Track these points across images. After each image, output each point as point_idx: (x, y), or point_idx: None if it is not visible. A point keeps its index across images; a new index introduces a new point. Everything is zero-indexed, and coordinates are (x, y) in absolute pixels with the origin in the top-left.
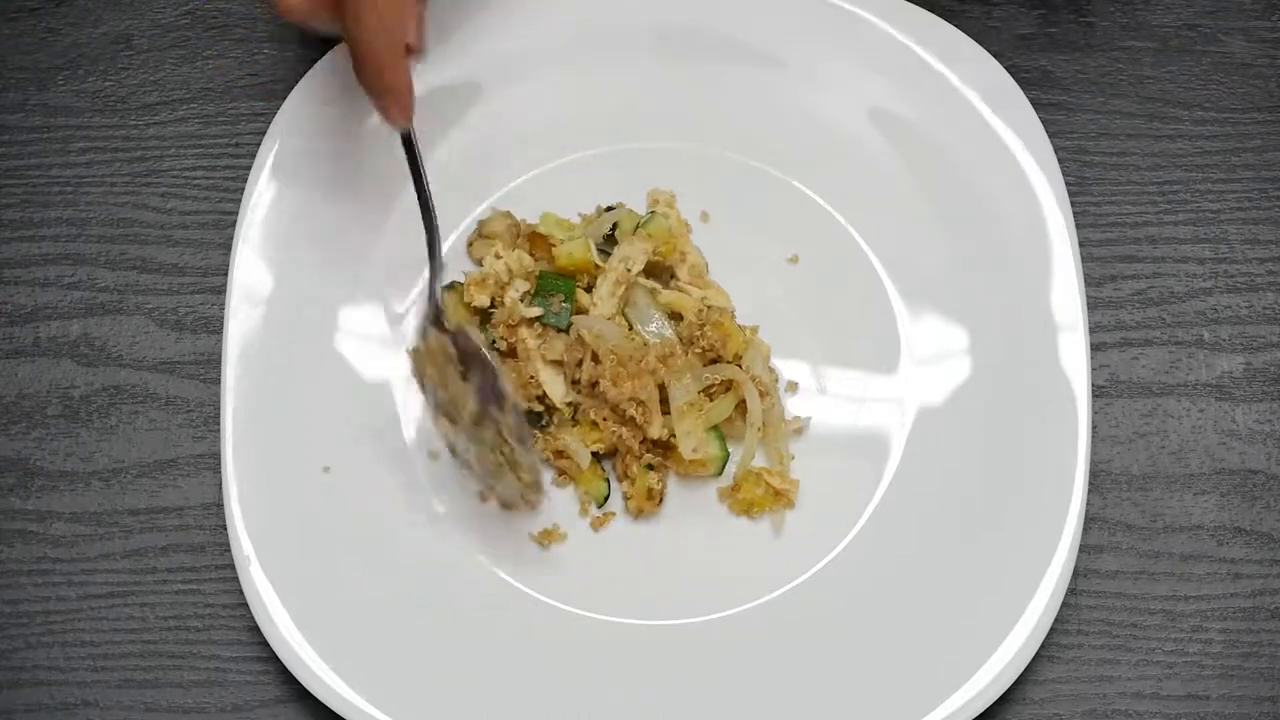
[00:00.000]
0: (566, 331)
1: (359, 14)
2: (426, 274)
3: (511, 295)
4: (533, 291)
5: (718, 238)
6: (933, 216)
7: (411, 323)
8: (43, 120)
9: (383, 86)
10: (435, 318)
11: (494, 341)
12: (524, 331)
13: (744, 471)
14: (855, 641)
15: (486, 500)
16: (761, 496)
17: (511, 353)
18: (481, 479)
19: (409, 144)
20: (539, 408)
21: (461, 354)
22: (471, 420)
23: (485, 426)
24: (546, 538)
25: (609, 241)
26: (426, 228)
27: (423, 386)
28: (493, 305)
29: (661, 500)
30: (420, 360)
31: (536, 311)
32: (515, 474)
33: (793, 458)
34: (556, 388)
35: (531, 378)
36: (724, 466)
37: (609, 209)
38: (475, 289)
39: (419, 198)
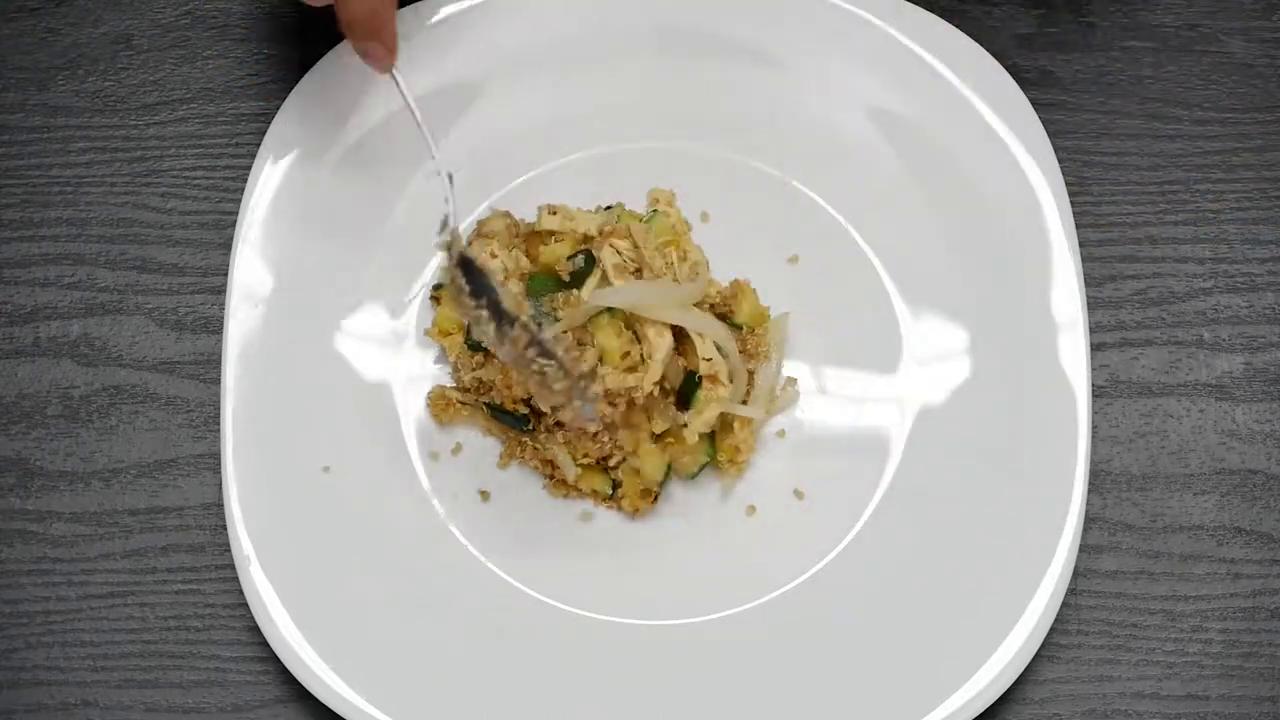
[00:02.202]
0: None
1: None
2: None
3: None
4: (524, 292)
5: (718, 238)
6: (933, 217)
7: (411, 323)
8: (43, 120)
9: (370, 33)
10: (448, 248)
11: (481, 341)
12: None
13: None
14: (855, 641)
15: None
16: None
17: None
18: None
19: (397, 82)
20: (524, 410)
21: (471, 283)
22: (498, 342)
23: (508, 345)
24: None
25: (577, 279)
26: (430, 153)
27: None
28: None
29: (656, 499)
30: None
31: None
32: (554, 383)
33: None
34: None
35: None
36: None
37: (608, 208)
38: None
39: (418, 128)
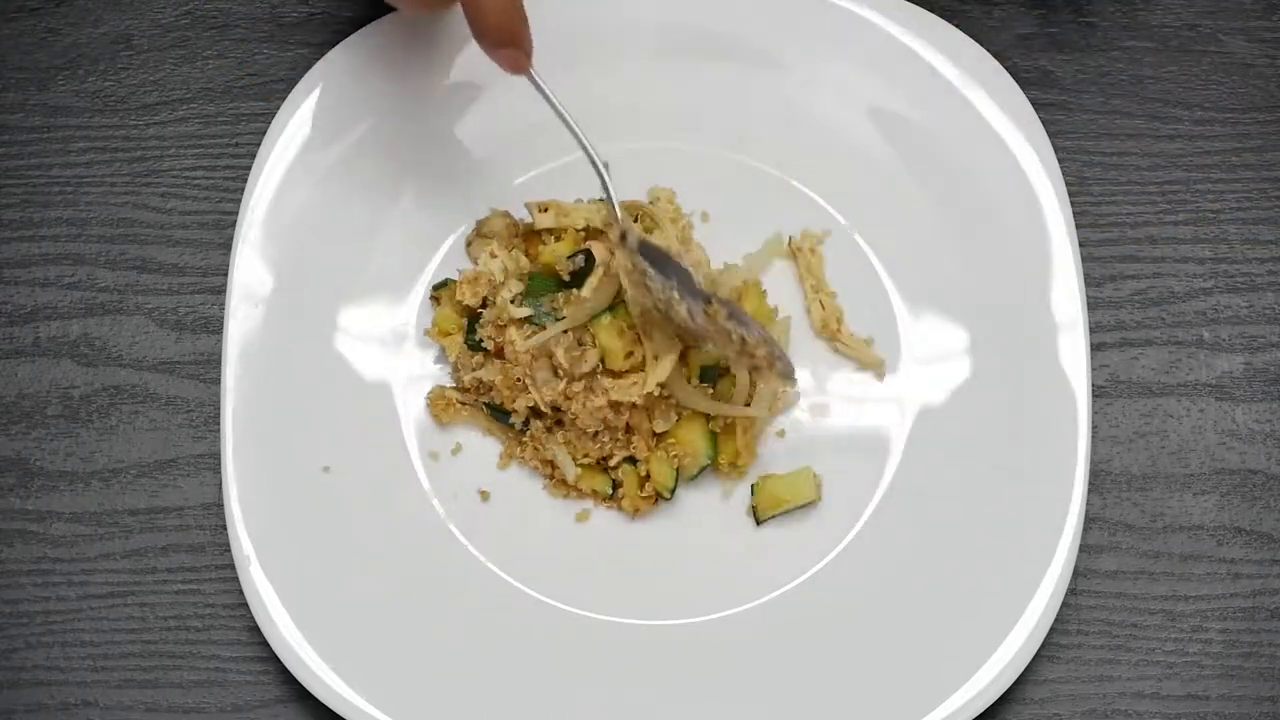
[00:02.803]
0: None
1: None
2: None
3: (503, 296)
4: (524, 292)
5: (718, 237)
6: (932, 216)
7: (411, 323)
8: (43, 120)
9: (506, 39)
10: (622, 237)
11: (481, 341)
12: (513, 332)
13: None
14: (855, 641)
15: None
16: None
17: (499, 353)
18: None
19: (536, 84)
20: (524, 411)
21: (652, 263)
22: (688, 319)
23: (704, 320)
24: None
25: (577, 279)
26: (581, 145)
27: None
28: (484, 305)
29: (657, 499)
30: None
31: (526, 312)
32: (750, 355)
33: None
34: (546, 390)
35: (518, 380)
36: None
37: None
38: (468, 288)
39: (564, 122)
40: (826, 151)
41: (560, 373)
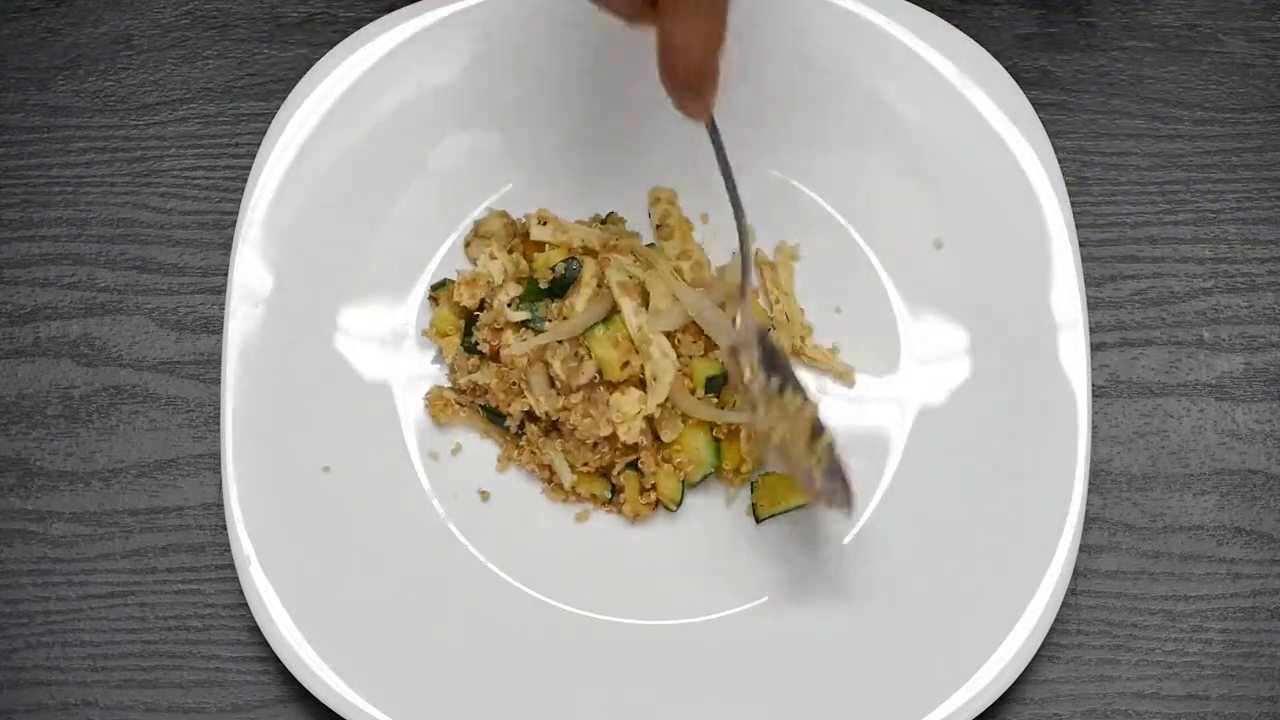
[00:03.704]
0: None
1: (678, 10)
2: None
3: (500, 299)
4: (521, 296)
5: (718, 238)
6: (932, 216)
7: (411, 323)
8: (43, 120)
9: (692, 96)
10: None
11: (477, 344)
12: (509, 336)
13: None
14: (855, 641)
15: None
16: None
17: (495, 356)
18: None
19: (713, 132)
20: (519, 415)
21: (766, 355)
22: (780, 416)
23: (797, 419)
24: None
25: (557, 287)
26: (736, 217)
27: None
28: (482, 307)
29: (658, 504)
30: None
31: (523, 316)
32: (820, 461)
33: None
34: (544, 400)
35: (513, 384)
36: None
37: (604, 221)
38: (465, 289)
39: (726, 185)
40: (826, 151)
41: (557, 384)
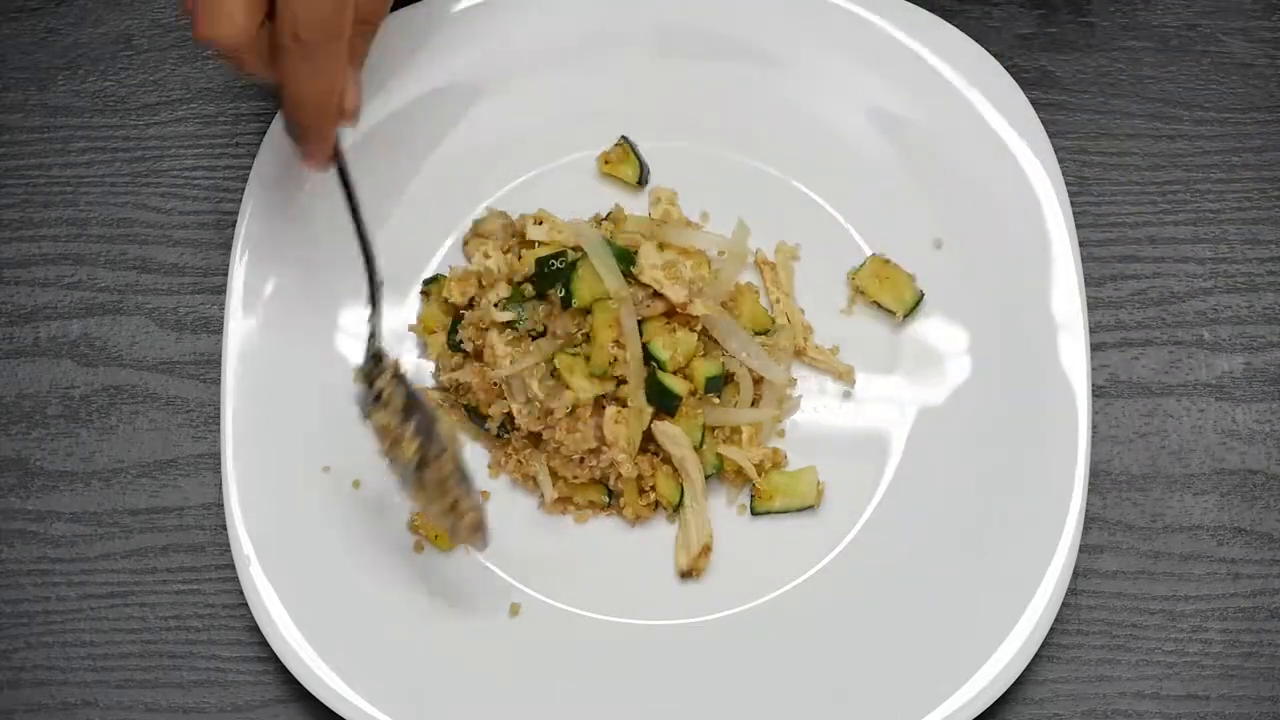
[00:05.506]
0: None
1: (296, 77)
2: (370, 310)
3: (488, 298)
4: (510, 297)
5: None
6: (932, 216)
7: (410, 323)
8: (43, 120)
9: (306, 146)
10: (376, 357)
11: (461, 342)
12: (494, 336)
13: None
14: (855, 641)
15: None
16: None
17: (479, 356)
18: (431, 517)
19: (342, 175)
20: (498, 418)
21: (404, 396)
22: (414, 462)
23: (428, 468)
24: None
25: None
26: (365, 257)
27: (375, 429)
28: (472, 305)
29: (658, 507)
30: (425, 330)
31: (509, 316)
32: (459, 515)
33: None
34: (525, 412)
35: (494, 385)
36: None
37: (605, 218)
38: (456, 285)
39: (356, 229)
40: (826, 151)
41: (537, 405)
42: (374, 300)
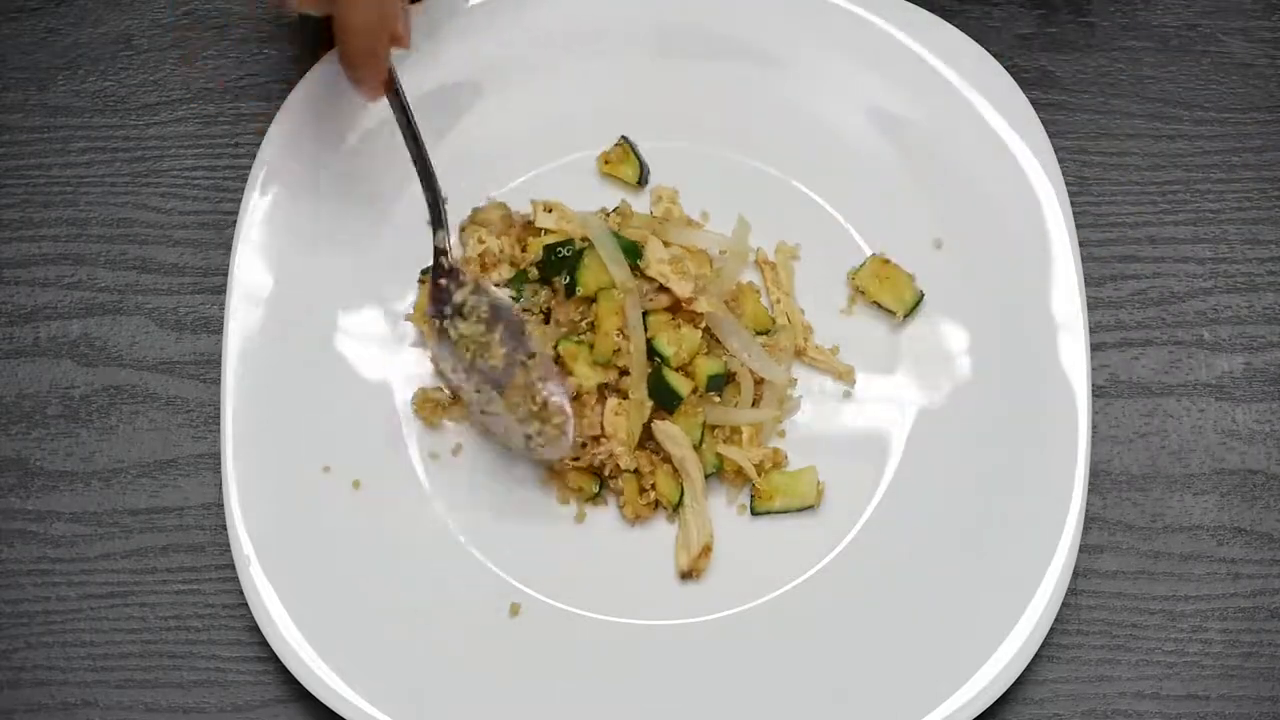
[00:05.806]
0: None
1: (350, 3)
2: (436, 229)
3: (491, 279)
4: (510, 279)
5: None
6: (932, 216)
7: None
8: (43, 120)
9: (360, 73)
10: (450, 271)
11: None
12: None
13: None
14: (855, 641)
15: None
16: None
17: None
18: (509, 431)
19: (394, 101)
20: None
21: (488, 305)
22: (501, 368)
23: (515, 373)
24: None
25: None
26: (424, 176)
27: (437, 344)
28: None
29: (658, 506)
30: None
31: (511, 294)
32: (546, 418)
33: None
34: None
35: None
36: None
37: (613, 211)
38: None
39: (412, 155)
40: (826, 151)
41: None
42: (438, 218)
